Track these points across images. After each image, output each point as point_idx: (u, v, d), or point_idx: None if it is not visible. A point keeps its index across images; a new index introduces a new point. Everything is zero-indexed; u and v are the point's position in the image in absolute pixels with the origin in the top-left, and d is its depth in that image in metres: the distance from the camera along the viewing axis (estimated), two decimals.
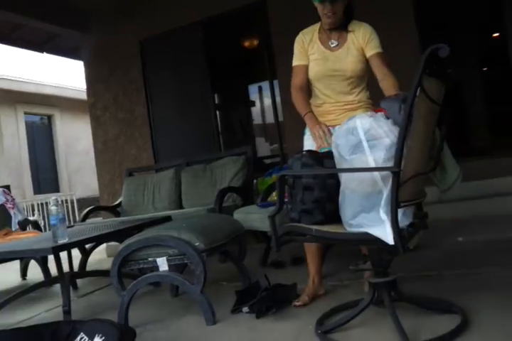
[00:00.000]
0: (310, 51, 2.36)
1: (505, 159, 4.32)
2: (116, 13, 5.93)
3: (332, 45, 2.32)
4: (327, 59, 2.32)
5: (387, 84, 2.19)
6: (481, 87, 8.70)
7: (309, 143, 2.34)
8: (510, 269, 2.28)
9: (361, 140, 1.70)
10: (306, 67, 2.36)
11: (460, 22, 7.63)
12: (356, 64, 2.29)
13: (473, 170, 4.31)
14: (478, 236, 3.11)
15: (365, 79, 2.37)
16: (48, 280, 3.24)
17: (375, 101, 2.16)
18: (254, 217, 3.07)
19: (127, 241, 2.41)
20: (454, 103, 6.69)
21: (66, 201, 9.55)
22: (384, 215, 1.60)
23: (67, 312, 2.49)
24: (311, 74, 2.36)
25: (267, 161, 5.60)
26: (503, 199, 3.81)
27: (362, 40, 2.27)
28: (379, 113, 1.80)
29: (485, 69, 9.75)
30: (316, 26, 2.40)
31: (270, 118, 6.12)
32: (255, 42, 6.19)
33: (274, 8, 4.98)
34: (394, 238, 1.56)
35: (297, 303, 2.23)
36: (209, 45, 5.53)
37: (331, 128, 2.26)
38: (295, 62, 2.40)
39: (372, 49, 2.25)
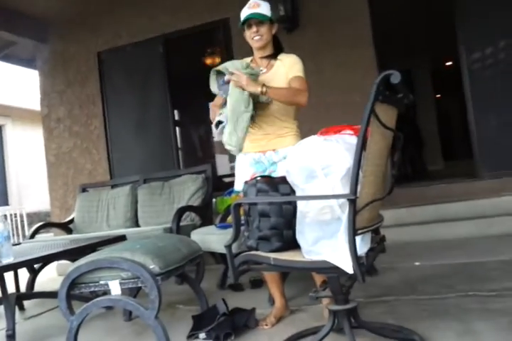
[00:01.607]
0: None
1: (458, 184, 4.48)
2: (75, 24, 5.82)
3: (260, 72, 2.38)
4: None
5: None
6: (435, 114, 9.07)
7: (242, 168, 2.41)
8: (467, 295, 2.32)
9: (315, 168, 1.68)
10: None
11: (415, 50, 7.97)
12: (281, 85, 2.33)
13: (428, 194, 4.47)
14: (435, 261, 3.17)
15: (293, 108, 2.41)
16: None
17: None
18: (212, 239, 3.00)
19: (77, 263, 2.29)
20: (410, 128, 6.94)
21: (15, 215, 9.12)
22: (342, 243, 1.59)
23: (11, 336, 2.37)
24: None
25: (227, 180, 5.55)
26: (457, 224, 3.91)
27: (288, 66, 2.36)
28: (332, 135, 1.80)
29: (438, 96, 10.21)
30: (248, 58, 2.50)
31: None
32: (217, 60, 6.20)
33: (237, 28, 4.99)
34: (353, 266, 1.55)
35: (266, 326, 2.22)
36: (170, 60, 5.51)
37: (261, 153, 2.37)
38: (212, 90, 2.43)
39: (294, 73, 2.34)
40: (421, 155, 7.44)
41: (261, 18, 2.34)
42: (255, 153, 2.38)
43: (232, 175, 5.73)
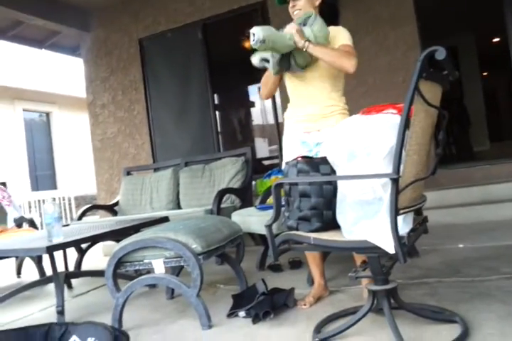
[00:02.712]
0: None
1: (505, 165, 4.31)
2: (116, 12, 5.90)
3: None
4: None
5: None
6: (481, 93, 8.69)
7: (289, 149, 2.38)
8: (511, 278, 2.25)
9: (357, 147, 1.66)
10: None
11: (461, 27, 7.63)
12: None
13: (474, 175, 4.33)
14: (479, 243, 3.08)
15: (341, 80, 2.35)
16: (43, 280, 3.19)
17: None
18: (252, 220, 3.03)
19: (123, 243, 2.38)
20: (456, 107, 6.70)
21: (63, 198, 9.50)
22: (384, 223, 1.57)
23: (60, 312, 2.46)
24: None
25: (266, 162, 5.57)
26: (502, 206, 3.78)
27: (333, 37, 2.26)
28: (375, 114, 1.76)
29: (485, 74, 9.77)
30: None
31: (270, 120, 6.09)
32: None
33: (275, 9, 4.96)
34: (394, 246, 1.53)
35: (304, 306, 2.22)
36: (209, 45, 5.51)
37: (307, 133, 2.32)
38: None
39: (341, 41, 2.25)
40: (467, 135, 7.17)
41: None
42: (301, 133, 2.35)
43: (271, 158, 5.77)
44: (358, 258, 2.10)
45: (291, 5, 2.34)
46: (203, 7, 5.39)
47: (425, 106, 1.61)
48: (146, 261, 2.33)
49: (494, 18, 5.20)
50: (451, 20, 7.08)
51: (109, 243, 4.08)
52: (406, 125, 1.51)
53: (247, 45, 6.33)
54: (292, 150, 2.36)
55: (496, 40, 9.13)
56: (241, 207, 3.78)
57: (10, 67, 10.77)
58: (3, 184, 4.45)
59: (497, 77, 11.02)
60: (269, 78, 2.37)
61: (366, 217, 1.65)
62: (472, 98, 8.32)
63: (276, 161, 5.34)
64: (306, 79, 2.31)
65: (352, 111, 2.31)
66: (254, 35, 2.04)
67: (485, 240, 3.14)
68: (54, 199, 8.77)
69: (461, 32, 7.91)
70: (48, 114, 11.81)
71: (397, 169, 1.51)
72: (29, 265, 4.00)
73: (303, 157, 2.04)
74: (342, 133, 1.78)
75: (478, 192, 3.99)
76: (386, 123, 1.68)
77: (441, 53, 1.48)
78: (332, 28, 2.29)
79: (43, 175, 11.40)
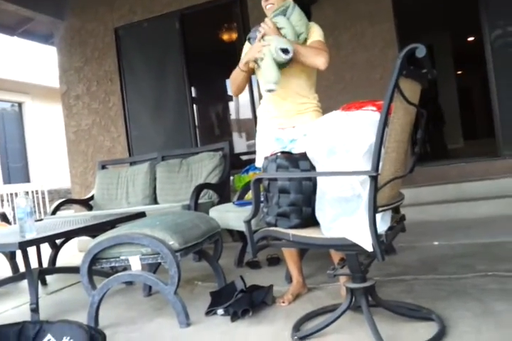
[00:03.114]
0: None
1: (479, 163, 4.41)
2: (92, 0, 5.76)
3: None
4: None
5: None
6: (455, 91, 8.85)
7: (263, 145, 2.38)
8: (487, 275, 2.30)
9: (336, 144, 1.66)
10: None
11: (436, 25, 7.74)
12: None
13: (448, 173, 4.41)
14: (454, 241, 3.14)
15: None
16: (16, 276, 3.12)
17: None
18: (230, 216, 3.02)
19: (98, 239, 2.33)
20: (431, 105, 6.80)
21: (36, 192, 9.29)
22: (363, 220, 1.58)
23: (34, 310, 2.42)
24: None
25: (244, 157, 5.54)
26: (477, 204, 3.86)
27: (306, 35, 2.27)
28: (354, 111, 1.76)
29: (459, 73, 9.93)
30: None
31: (247, 114, 6.06)
32: (234, 35, 6.11)
33: (254, 1, 4.92)
34: (372, 244, 1.54)
35: (283, 303, 2.23)
36: (186, 36, 5.45)
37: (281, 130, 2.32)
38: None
39: (313, 38, 2.27)
40: (441, 133, 7.30)
41: None
42: (275, 130, 2.34)
43: (249, 152, 5.76)
44: (336, 256, 2.12)
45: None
46: None
47: (404, 104, 1.61)
48: (122, 257, 2.29)
49: (469, 17, 5.29)
50: (427, 18, 7.17)
51: (84, 238, 4.01)
52: (385, 122, 1.52)
53: (224, 37, 6.31)
54: (266, 146, 2.35)
55: (470, 39, 9.29)
56: (219, 203, 3.76)
57: None
58: None
59: (471, 76, 11.23)
60: (238, 74, 2.36)
61: (345, 214, 1.65)
62: (447, 96, 8.47)
63: (254, 156, 5.32)
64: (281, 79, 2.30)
65: (330, 108, 2.30)
66: (287, 50, 2.08)
67: (460, 238, 3.19)
68: (27, 193, 8.57)
69: (437, 30, 8.03)
70: (20, 104, 11.49)
71: (376, 166, 1.51)
72: (1, 260, 3.90)
73: (282, 152, 2.03)
74: (322, 129, 1.78)
75: (453, 190, 4.07)
76: (366, 120, 1.69)
77: (421, 51, 1.48)
78: (307, 25, 2.30)
79: (15, 167, 11.10)
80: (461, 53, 8.97)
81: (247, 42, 2.45)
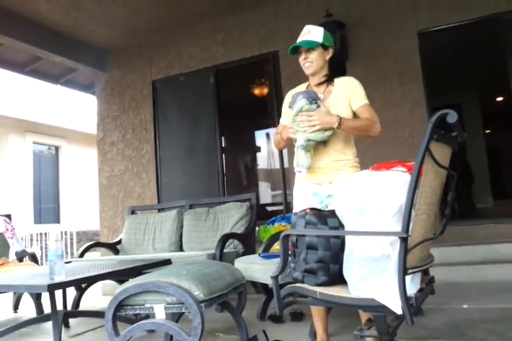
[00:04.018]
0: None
1: (509, 225, 4.32)
2: (132, 54, 6.16)
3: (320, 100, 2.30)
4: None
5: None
6: (484, 150, 8.83)
7: (300, 199, 2.39)
8: None
9: (366, 203, 1.68)
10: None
11: (464, 84, 7.88)
12: (344, 112, 2.27)
13: (478, 233, 4.33)
14: (484, 304, 3.05)
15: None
16: (41, 317, 3.16)
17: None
18: (256, 268, 3.02)
19: (125, 285, 2.36)
20: (460, 164, 6.80)
21: (65, 233, 9.45)
22: (392, 281, 1.58)
23: None
24: None
25: (270, 209, 5.59)
26: (507, 266, 3.76)
27: (349, 90, 2.30)
28: (384, 171, 1.79)
29: (488, 131, 9.93)
30: (304, 85, 2.49)
31: (275, 165, 6.17)
32: (265, 90, 6.36)
33: (286, 59, 5.17)
34: (402, 307, 1.53)
35: None
36: (220, 90, 5.70)
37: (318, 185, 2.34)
38: (281, 121, 2.53)
39: (360, 100, 2.30)
40: (470, 192, 7.22)
41: (308, 46, 2.32)
42: (312, 184, 2.36)
43: (275, 204, 5.79)
44: (364, 316, 2.08)
45: (303, 57, 2.37)
46: (216, 54, 5.62)
47: (435, 166, 1.64)
48: (147, 305, 2.29)
49: (498, 77, 5.39)
50: (456, 77, 7.33)
51: (109, 282, 4.04)
52: (416, 184, 1.55)
53: (256, 92, 6.56)
54: (303, 200, 2.35)
55: (499, 99, 9.38)
56: (244, 253, 3.77)
57: (25, 100, 11.04)
58: (8, 216, 4.47)
59: (500, 135, 11.22)
60: (279, 141, 2.47)
61: (373, 275, 1.64)
62: (475, 155, 8.45)
63: (280, 207, 5.36)
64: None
65: (360, 163, 2.37)
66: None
67: (489, 301, 3.10)
68: (58, 235, 8.72)
69: (465, 89, 8.15)
70: (57, 148, 11.96)
71: (406, 228, 1.52)
72: (27, 300, 3.94)
73: (311, 209, 2.06)
74: (352, 188, 1.80)
75: (482, 251, 3.98)
76: (395, 180, 1.70)
77: (452, 117, 1.53)
78: (344, 81, 2.35)
79: (47, 208, 11.40)
80: (489, 112, 9.03)
81: (286, 104, 2.46)
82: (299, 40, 2.35)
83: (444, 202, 2.01)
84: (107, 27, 5.58)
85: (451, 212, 1.98)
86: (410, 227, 1.55)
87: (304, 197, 2.38)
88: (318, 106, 2.18)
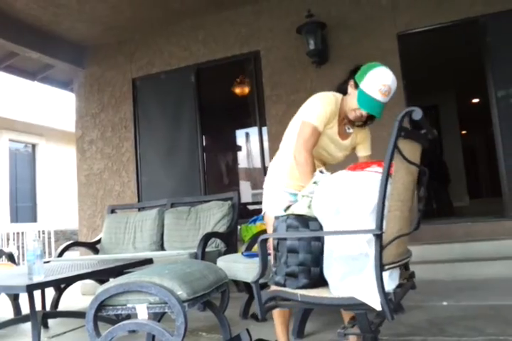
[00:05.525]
0: (328, 123, 2.21)
1: (485, 223, 4.43)
2: (112, 51, 6.10)
3: (348, 131, 2.27)
4: (333, 142, 2.26)
5: None
6: (461, 150, 9.01)
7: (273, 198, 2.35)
8: (498, 340, 2.27)
9: (342, 203, 1.71)
10: (320, 134, 2.21)
11: (442, 86, 8.02)
12: (344, 158, 2.34)
13: (455, 232, 4.43)
14: (462, 301, 3.11)
15: None
16: (19, 318, 3.11)
17: None
18: (239, 267, 3.02)
19: (106, 285, 2.33)
20: (436, 164, 6.92)
21: (43, 232, 9.29)
22: (370, 279, 1.60)
23: None
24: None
25: (251, 207, 5.60)
26: (484, 264, 3.84)
27: (360, 139, 2.31)
28: (360, 171, 1.81)
29: (464, 132, 10.14)
30: (339, 99, 2.22)
31: (255, 164, 6.19)
32: (246, 90, 6.37)
33: (267, 60, 5.19)
34: (381, 303, 1.55)
35: None
36: (200, 89, 5.69)
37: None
38: (318, 123, 2.16)
39: (367, 150, 2.34)
40: (446, 191, 7.37)
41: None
42: (289, 189, 2.33)
43: (257, 202, 5.81)
44: (346, 314, 2.10)
45: (364, 114, 2.16)
46: (197, 53, 5.61)
47: (405, 163, 1.67)
48: (129, 305, 2.27)
49: (475, 79, 5.51)
50: (434, 79, 7.46)
51: (89, 281, 4.00)
52: (387, 181, 1.57)
53: (237, 91, 6.56)
54: (282, 195, 2.32)
55: (475, 100, 9.58)
56: (225, 252, 3.78)
57: (0, 97, 10.80)
58: None
59: (476, 136, 11.46)
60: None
61: (353, 273, 1.66)
62: (452, 155, 8.62)
63: (261, 206, 5.36)
64: (323, 158, 2.32)
65: (338, 165, 2.38)
66: None
67: (467, 298, 3.17)
68: (36, 234, 8.57)
69: (443, 91, 8.31)
70: (34, 146, 11.75)
71: (380, 225, 1.54)
72: (3, 301, 3.87)
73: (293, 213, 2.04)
74: (329, 188, 1.83)
75: (460, 249, 4.07)
76: (371, 180, 1.73)
77: (417, 114, 1.55)
78: (362, 130, 2.31)
79: (24, 207, 11.20)
80: (466, 114, 9.22)
81: (327, 107, 2.21)
82: (381, 99, 2.06)
83: (418, 197, 2.05)
84: (86, 23, 5.51)
85: (428, 209, 2.01)
86: (384, 224, 1.57)
87: (282, 194, 2.33)
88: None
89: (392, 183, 1.59)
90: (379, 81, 2.05)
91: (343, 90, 2.22)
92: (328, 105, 2.17)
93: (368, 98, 2.05)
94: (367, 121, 2.24)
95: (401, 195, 1.69)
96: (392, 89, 2.06)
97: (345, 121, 2.25)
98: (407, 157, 1.65)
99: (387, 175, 1.55)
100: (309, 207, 1.94)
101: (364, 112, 2.12)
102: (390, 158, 1.56)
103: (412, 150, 1.74)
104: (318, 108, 2.16)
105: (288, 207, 2.02)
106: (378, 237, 1.53)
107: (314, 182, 1.99)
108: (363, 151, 2.34)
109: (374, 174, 1.76)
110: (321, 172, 2.01)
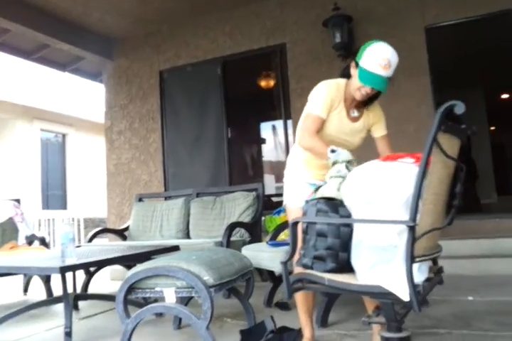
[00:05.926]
0: (333, 109, 2.21)
1: None
2: (139, 43, 6.18)
3: (352, 115, 2.27)
4: (343, 127, 2.26)
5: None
6: (489, 146, 8.85)
7: (298, 186, 2.34)
8: None
9: (374, 193, 1.71)
10: (323, 121, 2.21)
11: (470, 82, 7.87)
12: (362, 141, 2.33)
13: (483, 227, 4.37)
14: (488, 297, 3.09)
15: None
16: (52, 300, 3.24)
17: None
18: (264, 256, 3.07)
19: (136, 269, 2.40)
20: (464, 160, 6.82)
21: (72, 219, 9.53)
22: (399, 269, 1.61)
23: (68, 334, 2.49)
24: (322, 132, 2.24)
25: (275, 199, 5.63)
26: (510, 260, 3.80)
27: (373, 119, 2.30)
28: (393, 162, 1.80)
29: (492, 128, 9.93)
30: (342, 84, 2.23)
31: (280, 157, 6.20)
32: (272, 82, 6.37)
33: (293, 53, 5.20)
34: (409, 294, 1.56)
35: None
36: (226, 81, 5.73)
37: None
38: (318, 111, 2.18)
39: (382, 130, 2.32)
40: (474, 187, 7.26)
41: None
42: (311, 179, 2.33)
43: (279, 195, 5.84)
44: (370, 304, 2.11)
45: (368, 91, 2.14)
46: (224, 45, 5.64)
47: (443, 157, 1.66)
48: (157, 289, 2.34)
49: (504, 74, 5.40)
50: (462, 74, 7.32)
51: (117, 267, 4.10)
52: (423, 175, 1.57)
53: (262, 83, 6.58)
54: (303, 187, 2.32)
55: (504, 96, 9.37)
56: (250, 242, 3.82)
57: (32, 88, 11.06)
58: (17, 200, 4.52)
59: (505, 132, 11.22)
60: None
61: (381, 263, 1.66)
62: (480, 151, 8.47)
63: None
64: (340, 144, 2.23)
65: (362, 156, 2.37)
66: None
67: (494, 294, 3.14)
68: (70, 219, 8.82)
69: (471, 86, 8.15)
70: (64, 135, 12.03)
71: (413, 217, 1.54)
72: (36, 283, 4.01)
73: (323, 198, 2.06)
74: (360, 178, 1.83)
75: (488, 245, 4.03)
76: (404, 171, 1.72)
77: (460, 108, 1.54)
78: (374, 107, 2.30)
79: (55, 195, 11.51)
80: (494, 109, 9.04)
81: (328, 94, 2.21)
82: (383, 74, 2.04)
83: (453, 193, 2.04)
84: (115, 15, 5.59)
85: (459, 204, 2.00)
86: (418, 217, 1.58)
87: (303, 186, 2.33)
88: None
89: (428, 176, 1.58)
90: (378, 55, 2.04)
91: (346, 74, 2.23)
92: (328, 91, 2.19)
93: (369, 74, 2.05)
94: (373, 98, 2.22)
95: (436, 188, 1.68)
96: (392, 62, 2.05)
97: (353, 105, 2.25)
98: (446, 151, 1.64)
99: (424, 167, 1.55)
100: (338, 189, 1.94)
101: (369, 89, 2.12)
102: (429, 151, 1.55)
103: (450, 144, 1.72)
104: (317, 96, 2.20)
105: (317, 189, 2.02)
106: (411, 229, 1.53)
107: (334, 163, 2.01)
108: (379, 131, 2.32)
109: (407, 165, 1.75)
110: (333, 151, 2.02)
